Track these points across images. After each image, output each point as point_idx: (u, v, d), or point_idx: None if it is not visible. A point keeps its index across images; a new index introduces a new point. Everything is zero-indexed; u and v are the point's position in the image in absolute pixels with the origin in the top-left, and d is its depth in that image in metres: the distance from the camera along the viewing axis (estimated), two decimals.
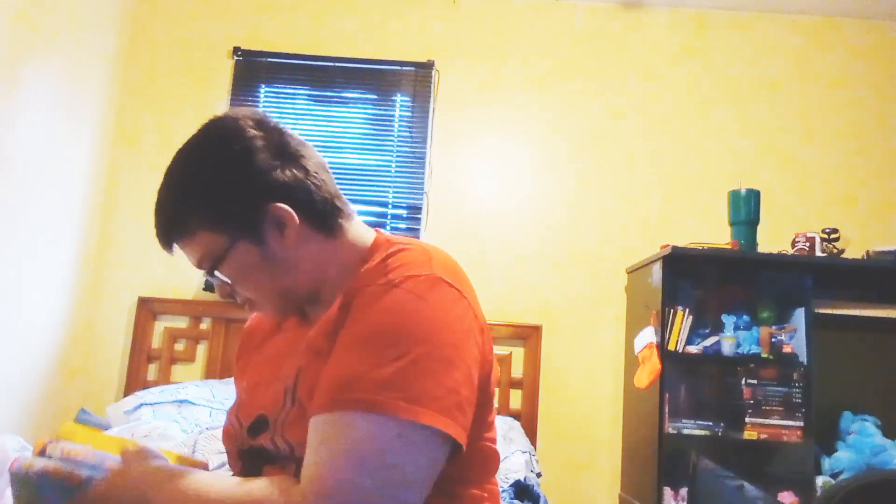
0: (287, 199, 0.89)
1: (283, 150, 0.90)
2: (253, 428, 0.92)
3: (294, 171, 0.90)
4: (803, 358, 2.65)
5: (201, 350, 3.05)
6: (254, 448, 0.91)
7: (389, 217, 3.15)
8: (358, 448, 0.73)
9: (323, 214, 0.92)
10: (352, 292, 0.86)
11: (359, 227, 0.97)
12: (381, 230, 1.00)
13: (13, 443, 1.78)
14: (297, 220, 0.89)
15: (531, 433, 2.93)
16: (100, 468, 0.82)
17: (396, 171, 3.19)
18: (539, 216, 3.18)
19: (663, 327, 2.67)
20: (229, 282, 0.91)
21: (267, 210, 0.88)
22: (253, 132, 0.89)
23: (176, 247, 0.93)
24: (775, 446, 2.69)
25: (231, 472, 1.00)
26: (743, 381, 2.69)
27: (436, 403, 0.76)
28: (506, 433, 2.55)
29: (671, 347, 2.67)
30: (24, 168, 2.54)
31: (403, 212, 3.16)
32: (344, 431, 0.74)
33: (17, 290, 2.56)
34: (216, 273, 0.91)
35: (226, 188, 0.88)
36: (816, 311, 2.70)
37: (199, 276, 3.09)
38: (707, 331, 2.78)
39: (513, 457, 2.24)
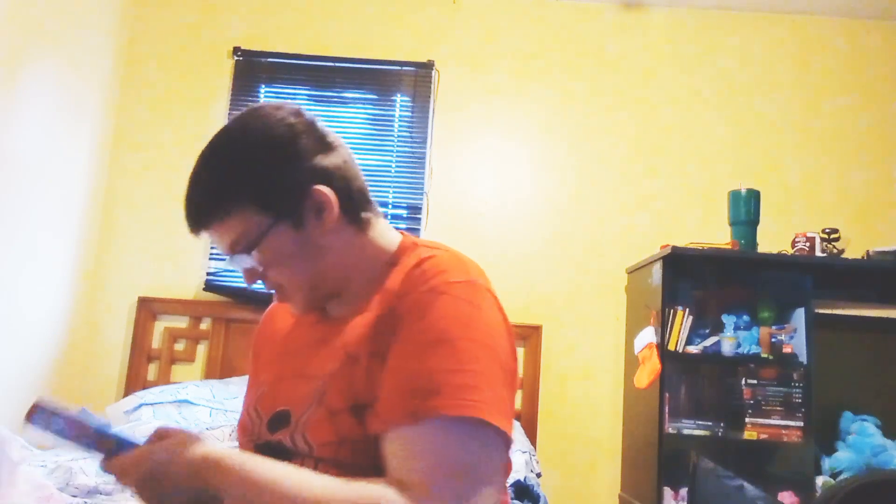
0: (328, 184, 0.90)
1: (323, 139, 0.93)
2: (273, 422, 0.91)
3: (332, 159, 0.92)
4: (803, 358, 2.65)
5: (201, 350, 3.05)
6: (270, 443, 0.91)
7: (389, 217, 3.15)
8: (452, 455, 0.76)
9: (357, 205, 0.94)
10: (392, 299, 0.87)
11: (385, 226, 0.99)
12: (406, 232, 1.01)
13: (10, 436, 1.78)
14: (337, 206, 0.90)
15: (531, 433, 2.93)
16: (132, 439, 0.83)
17: (396, 171, 3.19)
18: (539, 216, 3.18)
19: (663, 327, 2.67)
20: (261, 266, 0.91)
21: (309, 193, 0.89)
22: (294, 119, 0.91)
23: (200, 231, 0.92)
24: (775, 446, 2.69)
25: None
26: (743, 381, 2.69)
27: (504, 408, 0.80)
28: None
29: (671, 347, 2.67)
30: (24, 168, 2.54)
31: (403, 212, 3.16)
32: (435, 440, 0.76)
33: (17, 289, 2.56)
34: (249, 256, 0.90)
35: (271, 168, 0.88)
36: (816, 311, 2.71)
37: (199, 276, 3.09)
38: (707, 331, 2.78)
39: (513, 457, 2.24)
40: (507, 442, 0.80)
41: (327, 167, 0.91)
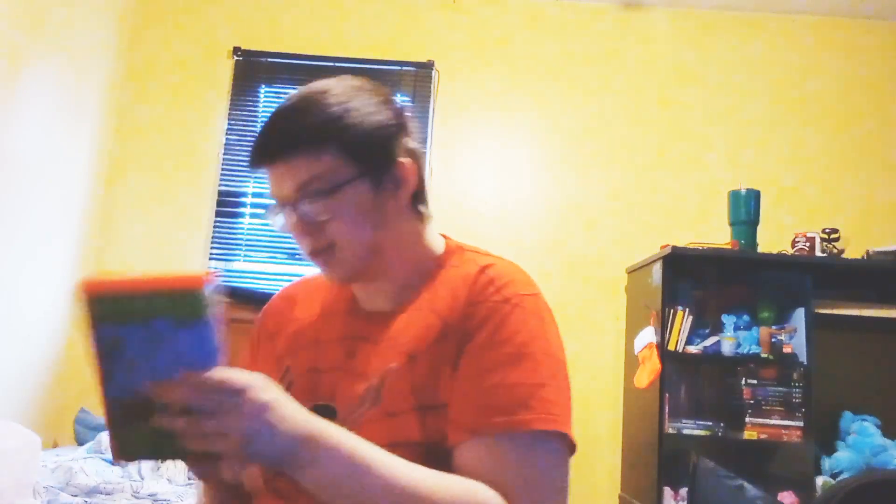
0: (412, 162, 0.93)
1: (410, 127, 0.96)
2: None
3: (414, 146, 0.95)
4: (803, 358, 2.65)
5: None
6: None
7: None
8: (544, 468, 0.81)
9: (422, 195, 0.96)
10: (462, 305, 0.87)
11: (433, 228, 1.00)
12: (446, 234, 1.02)
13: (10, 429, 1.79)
14: (413, 187, 0.92)
15: None
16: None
17: None
18: (539, 216, 3.18)
19: (663, 327, 2.67)
20: (326, 216, 0.87)
21: (396, 163, 0.91)
22: (394, 98, 0.95)
23: (275, 160, 0.87)
24: (775, 446, 2.69)
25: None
26: (743, 381, 2.69)
27: (571, 419, 0.84)
28: None
29: (671, 347, 2.67)
30: (24, 168, 2.54)
31: None
32: (528, 453, 0.80)
33: (17, 289, 2.56)
34: (316, 202, 0.86)
35: (375, 124, 0.89)
36: (816, 311, 2.70)
37: None
38: (707, 331, 2.78)
39: None
40: (574, 452, 0.86)
41: (414, 149, 0.94)
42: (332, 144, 0.86)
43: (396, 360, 0.86)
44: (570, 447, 0.83)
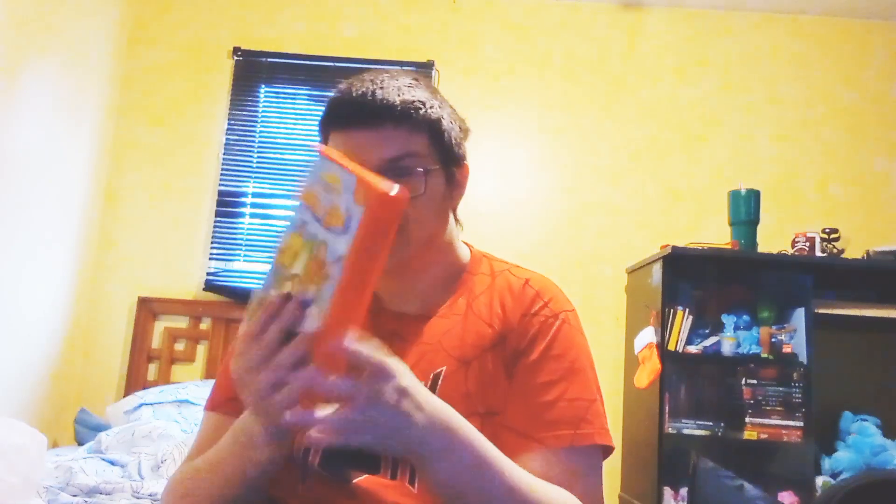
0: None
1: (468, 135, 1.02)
2: None
3: None
4: (803, 358, 2.65)
5: (201, 350, 3.05)
6: None
7: None
8: (598, 477, 0.89)
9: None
10: (516, 318, 0.89)
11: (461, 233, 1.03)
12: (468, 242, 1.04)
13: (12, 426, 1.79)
14: (464, 191, 0.98)
15: None
16: None
17: None
18: (539, 216, 3.18)
19: (663, 327, 2.67)
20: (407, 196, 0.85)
21: (464, 165, 0.98)
22: None
23: (378, 122, 0.86)
24: (775, 446, 2.69)
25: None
26: (743, 381, 2.69)
27: None
28: None
29: (671, 347, 2.67)
30: (24, 168, 2.54)
31: None
32: (589, 464, 0.87)
33: (17, 290, 2.56)
34: (406, 178, 0.84)
35: (458, 124, 0.96)
36: (816, 311, 2.70)
37: (199, 276, 3.08)
38: (707, 331, 2.78)
39: None
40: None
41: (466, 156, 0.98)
42: (430, 131, 0.89)
43: (445, 364, 0.86)
44: (605, 457, 0.89)
